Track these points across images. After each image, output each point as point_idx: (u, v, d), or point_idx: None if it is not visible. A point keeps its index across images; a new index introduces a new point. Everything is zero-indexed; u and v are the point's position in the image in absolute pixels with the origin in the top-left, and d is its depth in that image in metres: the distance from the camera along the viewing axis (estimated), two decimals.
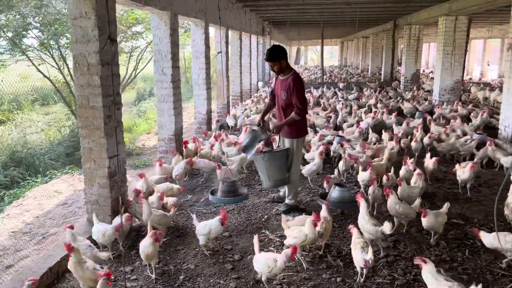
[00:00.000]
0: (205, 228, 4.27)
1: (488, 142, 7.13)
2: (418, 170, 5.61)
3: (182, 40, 19.76)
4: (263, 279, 3.64)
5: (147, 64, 17.13)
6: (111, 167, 4.64)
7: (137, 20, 14.92)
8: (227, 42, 11.25)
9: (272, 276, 3.67)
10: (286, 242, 4.18)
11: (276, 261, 3.53)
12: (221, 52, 8.86)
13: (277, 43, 30.05)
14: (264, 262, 3.57)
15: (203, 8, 8.72)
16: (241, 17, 13.53)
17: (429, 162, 6.36)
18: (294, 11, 15.85)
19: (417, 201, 4.80)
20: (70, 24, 4.36)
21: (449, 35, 12.69)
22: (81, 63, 4.42)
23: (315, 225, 4.02)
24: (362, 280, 3.73)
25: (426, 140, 7.76)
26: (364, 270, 3.69)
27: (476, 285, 2.98)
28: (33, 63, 12.13)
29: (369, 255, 3.53)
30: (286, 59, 5.09)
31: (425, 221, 4.37)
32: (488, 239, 3.95)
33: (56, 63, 12.84)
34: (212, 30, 11.28)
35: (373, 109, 11.47)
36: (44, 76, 12.47)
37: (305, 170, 6.19)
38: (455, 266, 4.01)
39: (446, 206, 4.54)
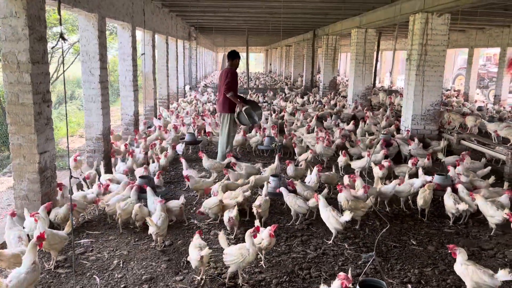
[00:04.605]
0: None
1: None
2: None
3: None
4: (231, 270, 3.74)
5: (69, 66, 16.60)
6: (42, 162, 4.76)
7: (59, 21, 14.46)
8: (153, 46, 11.45)
9: (245, 266, 3.75)
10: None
11: (248, 249, 3.67)
12: (144, 53, 9.11)
13: (204, 49, 30.49)
14: (238, 252, 3.68)
15: (130, 11, 8.90)
16: (167, 21, 13.76)
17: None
18: (220, 18, 16.38)
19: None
20: None
21: (360, 46, 13.97)
22: (10, 60, 4.52)
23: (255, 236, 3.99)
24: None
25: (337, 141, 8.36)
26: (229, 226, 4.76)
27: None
28: None
29: (234, 213, 4.64)
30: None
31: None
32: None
33: None
34: (139, 33, 11.41)
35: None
36: None
37: None
38: (357, 241, 4.71)
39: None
